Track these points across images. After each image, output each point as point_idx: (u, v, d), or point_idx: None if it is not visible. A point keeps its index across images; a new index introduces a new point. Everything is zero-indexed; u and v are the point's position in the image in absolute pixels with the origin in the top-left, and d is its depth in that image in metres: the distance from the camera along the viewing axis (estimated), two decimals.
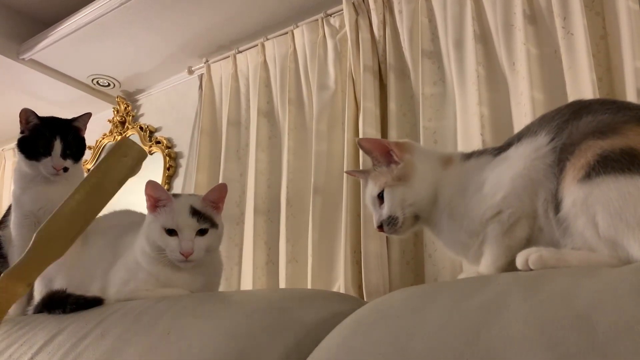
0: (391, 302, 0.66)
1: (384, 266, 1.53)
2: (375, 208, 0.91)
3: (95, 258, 1.16)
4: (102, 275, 1.12)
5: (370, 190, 0.92)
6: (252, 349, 0.69)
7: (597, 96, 1.29)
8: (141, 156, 0.64)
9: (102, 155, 2.73)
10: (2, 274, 0.37)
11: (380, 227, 0.89)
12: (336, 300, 0.86)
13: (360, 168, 1.56)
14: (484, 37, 1.58)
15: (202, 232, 1.05)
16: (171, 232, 1.04)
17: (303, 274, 1.71)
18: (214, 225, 1.07)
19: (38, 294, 1.19)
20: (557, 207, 0.70)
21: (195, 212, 1.05)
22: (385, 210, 0.88)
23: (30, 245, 0.43)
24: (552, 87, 1.43)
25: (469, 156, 0.89)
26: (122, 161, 0.56)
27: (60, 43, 2.27)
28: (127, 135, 2.64)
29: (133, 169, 0.63)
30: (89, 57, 2.39)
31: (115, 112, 2.69)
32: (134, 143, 0.67)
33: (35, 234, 0.44)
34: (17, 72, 2.44)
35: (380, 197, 0.89)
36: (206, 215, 1.06)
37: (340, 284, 1.59)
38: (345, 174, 1.66)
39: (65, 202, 0.47)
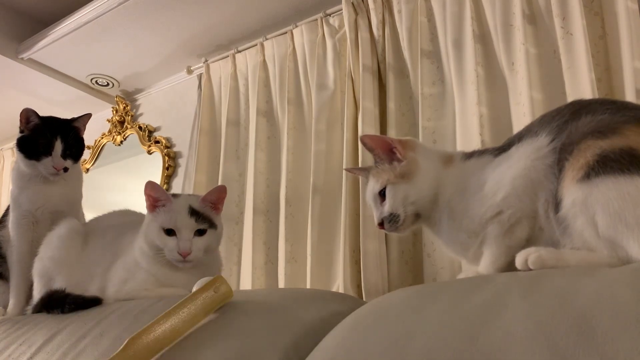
0: (390, 302, 0.66)
1: (382, 266, 1.53)
2: (376, 205, 0.90)
3: (95, 258, 1.16)
4: (101, 275, 1.12)
5: (371, 187, 0.91)
6: (251, 348, 0.69)
7: (596, 96, 1.29)
8: (228, 295, 0.69)
9: (102, 152, 2.73)
10: None
11: (381, 225, 0.89)
12: (335, 300, 0.86)
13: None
14: (483, 37, 1.58)
15: (200, 233, 1.05)
16: (170, 232, 1.04)
17: (302, 273, 1.71)
18: (212, 225, 1.07)
19: (37, 293, 1.18)
20: (557, 207, 0.70)
21: (193, 213, 1.05)
22: (387, 208, 0.87)
23: (121, 347, 0.46)
24: (551, 87, 1.43)
25: (469, 156, 0.89)
26: (212, 296, 0.60)
27: (59, 42, 2.27)
28: (126, 136, 2.64)
29: (218, 305, 0.69)
30: (88, 56, 2.39)
31: (114, 112, 2.69)
32: (225, 281, 0.73)
33: (127, 339, 0.47)
34: (16, 72, 2.43)
35: (382, 194, 0.89)
36: (205, 216, 1.06)
37: (339, 284, 1.59)
38: (344, 174, 1.66)
39: (161, 319, 0.50)
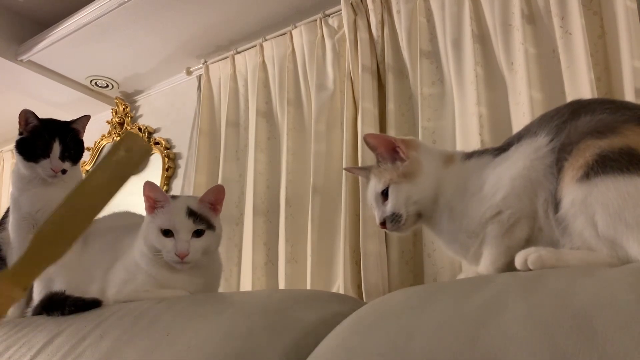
0: (390, 303, 0.66)
1: (383, 266, 1.53)
2: (378, 205, 0.90)
3: (95, 259, 1.16)
4: (101, 276, 1.12)
5: (373, 186, 0.91)
6: (251, 349, 0.68)
7: (596, 95, 1.29)
8: (145, 151, 0.61)
9: (102, 156, 2.73)
10: None
11: (383, 224, 0.89)
12: (335, 301, 0.86)
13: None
14: (482, 37, 1.58)
15: (198, 234, 1.05)
16: (168, 233, 1.03)
17: (302, 274, 1.71)
18: (210, 226, 1.07)
19: (37, 295, 1.19)
20: (556, 207, 0.70)
21: (191, 213, 1.04)
22: (389, 207, 0.87)
23: (27, 247, 0.41)
24: (551, 87, 1.43)
25: (469, 156, 0.89)
26: (125, 157, 0.53)
27: (58, 44, 2.27)
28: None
29: (137, 165, 0.60)
30: (87, 58, 2.39)
31: (114, 113, 2.69)
32: (138, 136, 0.63)
33: (33, 236, 0.42)
34: (16, 74, 2.43)
35: (384, 193, 0.89)
36: (203, 217, 1.06)
37: (339, 284, 1.59)
38: (344, 174, 1.66)
39: (64, 202, 0.45)
